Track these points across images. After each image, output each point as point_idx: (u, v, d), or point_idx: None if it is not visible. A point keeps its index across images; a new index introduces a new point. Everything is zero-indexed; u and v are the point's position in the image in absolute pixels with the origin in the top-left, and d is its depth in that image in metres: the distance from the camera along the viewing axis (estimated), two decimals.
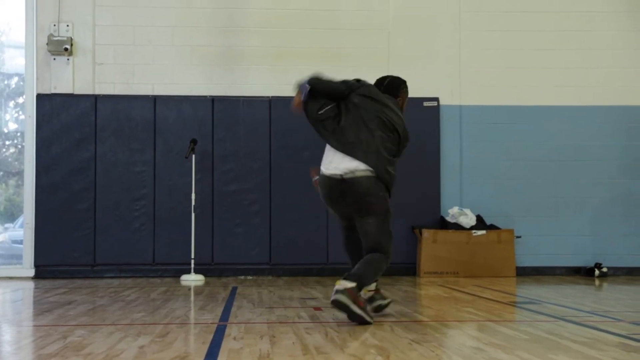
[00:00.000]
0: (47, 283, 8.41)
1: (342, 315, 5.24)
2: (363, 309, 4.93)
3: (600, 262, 9.53)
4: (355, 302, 4.88)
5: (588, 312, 5.74)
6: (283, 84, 9.53)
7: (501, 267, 9.24)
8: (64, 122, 9.24)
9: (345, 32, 9.62)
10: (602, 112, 9.83)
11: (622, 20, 9.94)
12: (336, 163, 5.23)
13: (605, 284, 8.51)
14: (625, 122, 9.84)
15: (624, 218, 9.76)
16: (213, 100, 9.42)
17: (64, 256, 9.14)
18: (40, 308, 6.09)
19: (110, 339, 4.37)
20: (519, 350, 4.01)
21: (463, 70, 9.64)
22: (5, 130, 10.17)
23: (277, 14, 9.65)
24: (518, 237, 9.44)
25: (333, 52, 9.58)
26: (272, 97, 9.46)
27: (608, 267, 9.48)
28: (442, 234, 9.21)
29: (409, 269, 9.35)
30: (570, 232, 9.70)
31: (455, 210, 9.40)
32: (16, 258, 9.55)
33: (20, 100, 9.92)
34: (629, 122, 9.85)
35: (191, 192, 8.85)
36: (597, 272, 9.38)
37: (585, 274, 9.47)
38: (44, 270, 9.12)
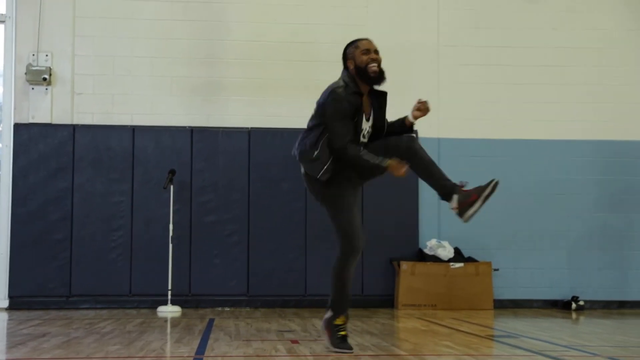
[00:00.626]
0: (21, 314, 8.31)
1: (319, 348, 5.23)
2: None
3: (577, 295, 9.56)
4: None
5: (565, 346, 5.75)
6: (262, 115, 9.60)
7: (479, 300, 9.24)
8: (42, 151, 9.19)
9: (324, 64, 9.61)
10: (579, 146, 9.92)
11: (599, 56, 10.06)
12: None
13: (582, 318, 8.53)
14: (602, 157, 9.93)
15: (601, 251, 9.82)
16: (192, 131, 9.42)
17: (39, 287, 9.03)
18: (14, 340, 6.01)
19: None
20: None
21: (442, 103, 9.70)
22: None
23: (257, 46, 9.69)
24: (496, 269, 9.46)
25: (313, 84, 9.55)
26: (251, 128, 9.47)
27: (585, 301, 9.51)
28: (420, 266, 9.21)
29: (387, 301, 9.33)
30: (548, 265, 9.73)
31: (433, 242, 9.42)
32: None
33: None
34: (606, 156, 9.94)
35: (169, 223, 8.81)
36: (574, 305, 9.41)
37: (562, 307, 9.49)
38: (18, 301, 9.01)
